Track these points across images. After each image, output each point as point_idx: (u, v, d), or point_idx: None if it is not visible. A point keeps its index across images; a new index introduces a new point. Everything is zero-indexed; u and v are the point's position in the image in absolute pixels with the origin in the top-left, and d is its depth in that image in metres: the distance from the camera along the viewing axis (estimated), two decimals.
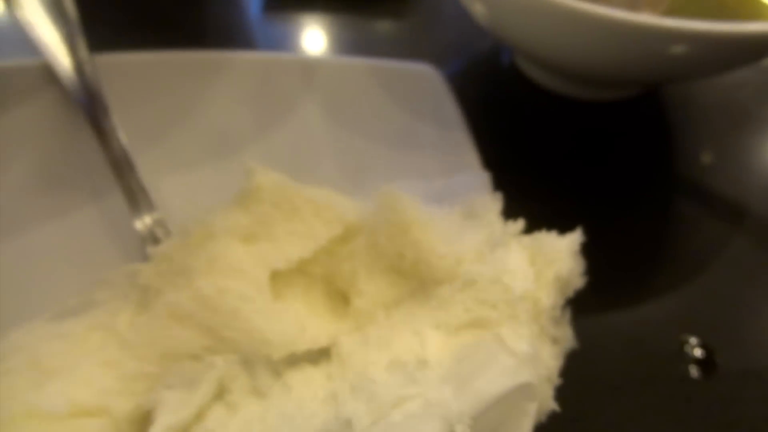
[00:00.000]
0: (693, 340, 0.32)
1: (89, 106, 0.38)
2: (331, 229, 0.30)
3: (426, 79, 0.39)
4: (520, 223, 0.29)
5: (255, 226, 0.30)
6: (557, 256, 0.27)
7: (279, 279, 0.30)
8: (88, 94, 0.39)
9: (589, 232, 0.30)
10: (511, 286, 0.25)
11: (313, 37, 0.52)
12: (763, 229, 0.38)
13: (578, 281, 0.27)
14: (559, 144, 0.42)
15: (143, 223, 0.35)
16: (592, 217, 0.38)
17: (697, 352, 0.32)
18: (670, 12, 0.32)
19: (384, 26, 0.53)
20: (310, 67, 0.41)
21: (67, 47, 0.41)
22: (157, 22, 0.53)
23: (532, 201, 0.36)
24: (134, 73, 0.41)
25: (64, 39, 0.41)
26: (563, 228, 0.31)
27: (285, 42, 0.52)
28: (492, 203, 0.31)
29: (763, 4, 0.33)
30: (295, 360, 0.27)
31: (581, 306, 0.29)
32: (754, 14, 0.33)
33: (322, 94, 0.41)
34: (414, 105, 0.39)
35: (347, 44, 0.51)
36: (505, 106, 0.45)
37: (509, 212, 0.31)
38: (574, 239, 0.28)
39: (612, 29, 0.28)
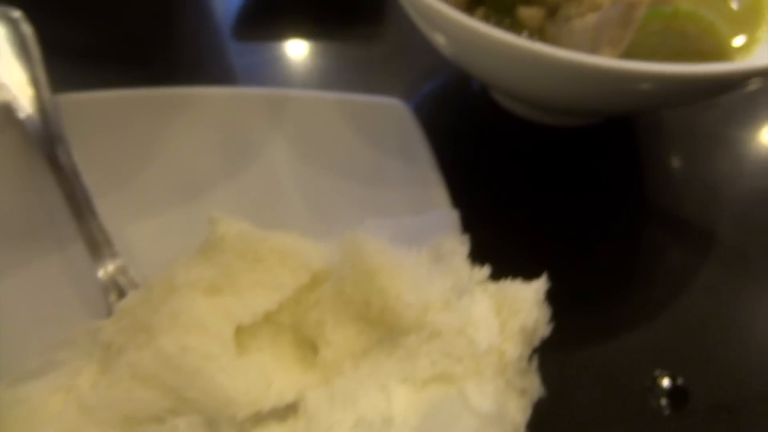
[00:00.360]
0: (664, 374, 0.32)
1: (50, 148, 0.37)
2: (297, 278, 0.30)
3: (394, 113, 0.39)
4: (485, 270, 0.29)
5: (219, 278, 0.29)
6: (522, 306, 0.27)
7: (245, 330, 0.30)
8: (48, 136, 0.38)
9: (557, 267, 0.30)
10: (475, 339, 0.25)
11: (284, 61, 0.52)
12: (732, 256, 0.38)
13: (544, 330, 0.27)
14: (527, 173, 0.42)
15: (105, 271, 0.34)
16: (561, 250, 0.38)
17: (669, 386, 0.32)
18: (632, 46, 0.32)
19: (356, 51, 0.52)
20: (278, 101, 0.41)
21: (29, 88, 0.40)
22: (127, 44, 0.53)
23: (499, 235, 0.36)
24: (98, 113, 0.40)
25: (26, 80, 0.41)
26: (531, 263, 0.31)
27: (256, 67, 0.51)
28: (459, 246, 0.31)
29: (724, 35, 0.34)
30: (260, 418, 0.27)
31: (550, 343, 0.29)
32: (715, 45, 0.33)
33: (289, 130, 0.40)
34: (382, 141, 0.39)
35: (318, 68, 0.51)
36: (473, 132, 0.45)
37: (477, 246, 0.31)
38: (538, 287, 0.28)
39: (572, 71, 0.28)
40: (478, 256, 0.31)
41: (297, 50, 0.52)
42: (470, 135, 0.45)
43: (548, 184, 0.41)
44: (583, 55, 0.27)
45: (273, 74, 0.50)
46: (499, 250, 0.32)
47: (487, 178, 0.42)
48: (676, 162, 0.43)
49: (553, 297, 0.29)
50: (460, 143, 0.44)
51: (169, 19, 0.56)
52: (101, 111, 0.40)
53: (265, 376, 0.28)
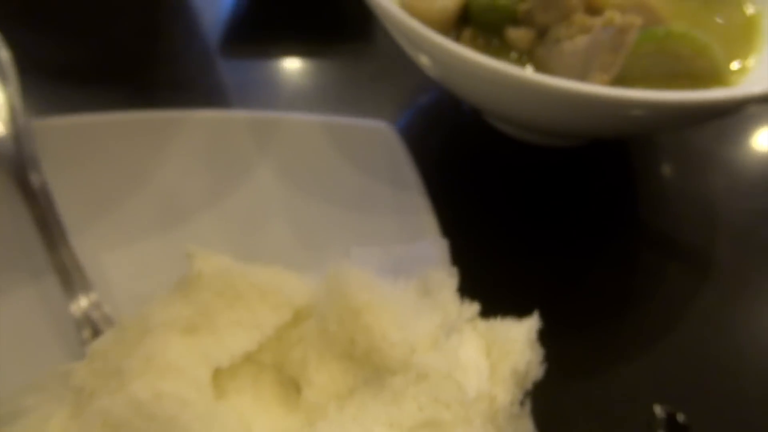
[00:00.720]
0: (663, 408, 0.31)
1: (22, 173, 0.36)
2: (278, 315, 0.29)
3: (382, 137, 0.38)
4: (474, 307, 0.28)
5: (196, 317, 0.28)
6: (513, 348, 0.25)
7: (224, 370, 0.28)
8: (21, 160, 0.36)
9: (549, 297, 0.28)
10: (464, 385, 0.24)
11: (271, 78, 0.51)
12: (731, 280, 0.37)
13: (537, 372, 0.26)
14: (518, 197, 0.41)
15: (78, 305, 0.32)
16: (553, 278, 0.36)
17: (669, 422, 0.31)
18: (624, 68, 0.30)
19: (344, 68, 0.51)
20: (262, 125, 0.40)
21: (3, 112, 0.39)
22: (111, 61, 0.51)
23: (489, 263, 0.35)
24: (76, 138, 0.39)
25: (1, 103, 0.39)
26: (523, 294, 0.30)
27: (243, 84, 0.50)
28: (448, 279, 0.29)
29: (718, 57, 0.33)
30: None
31: (543, 379, 0.27)
32: (709, 67, 0.32)
33: (274, 154, 0.39)
34: (370, 165, 0.38)
35: (305, 86, 0.49)
36: (462, 153, 0.44)
37: (466, 276, 0.30)
38: (530, 326, 0.26)
39: (562, 99, 0.27)
40: (467, 286, 0.30)
41: (284, 67, 0.51)
42: (459, 156, 0.44)
43: (539, 207, 0.40)
44: (573, 83, 0.26)
45: (260, 92, 0.49)
46: (488, 280, 0.31)
47: (477, 203, 0.40)
48: (670, 182, 0.42)
49: (546, 330, 0.28)
50: (449, 165, 0.43)
51: (154, 36, 0.55)
52: (79, 136, 0.39)
53: (245, 421, 0.26)
